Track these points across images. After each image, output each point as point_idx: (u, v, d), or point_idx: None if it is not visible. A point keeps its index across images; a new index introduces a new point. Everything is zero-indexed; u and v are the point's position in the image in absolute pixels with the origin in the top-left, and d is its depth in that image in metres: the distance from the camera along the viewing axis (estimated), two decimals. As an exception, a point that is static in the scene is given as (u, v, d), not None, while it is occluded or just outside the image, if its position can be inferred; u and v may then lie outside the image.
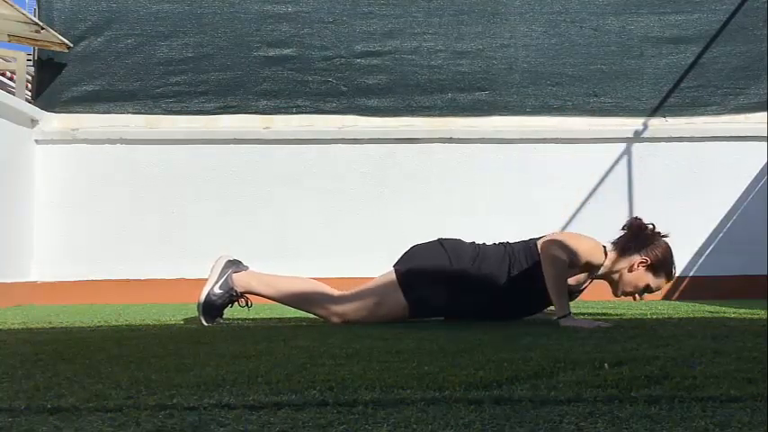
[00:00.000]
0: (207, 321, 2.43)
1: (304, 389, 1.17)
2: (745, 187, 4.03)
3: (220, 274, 2.47)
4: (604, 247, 2.48)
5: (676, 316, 2.70)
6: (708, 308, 3.14)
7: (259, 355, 1.58)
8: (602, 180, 4.03)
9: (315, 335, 2.06)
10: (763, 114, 4.08)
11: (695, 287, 3.97)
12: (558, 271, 2.31)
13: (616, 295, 2.52)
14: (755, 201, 4.02)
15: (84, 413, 1.02)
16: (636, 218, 2.55)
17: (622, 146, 4.05)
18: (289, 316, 2.78)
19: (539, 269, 2.36)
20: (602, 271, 2.46)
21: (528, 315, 2.57)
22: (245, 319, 2.66)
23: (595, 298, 3.84)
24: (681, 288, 4.00)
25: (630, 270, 2.43)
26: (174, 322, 2.56)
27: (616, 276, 2.46)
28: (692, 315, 2.76)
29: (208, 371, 1.37)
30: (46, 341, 1.92)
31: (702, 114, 4.11)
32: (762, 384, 1.17)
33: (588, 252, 2.40)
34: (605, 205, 3.99)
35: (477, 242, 2.56)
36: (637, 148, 4.04)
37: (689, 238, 4.01)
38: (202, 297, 2.43)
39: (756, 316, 2.62)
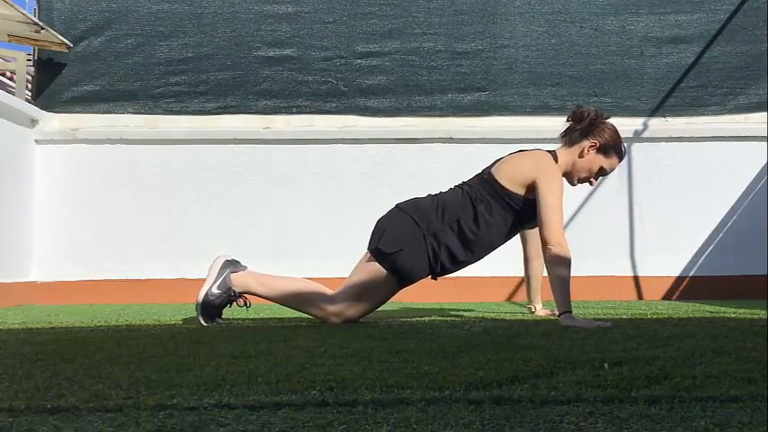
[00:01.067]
0: (206, 321, 2.43)
1: (304, 389, 1.17)
2: (745, 187, 4.03)
3: (218, 274, 2.47)
4: (552, 152, 2.51)
5: (676, 316, 2.70)
6: (708, 308, 3.14)
7: (259, 355, 1.58)
8: (603, 180, 4.02)
9: (315, 335, 2.06)
10: (763, 114, 4.08)
11: (695, 287, 3.97)
12: (565, 271, 2.33)
13: (573, 184, 2.57)
14: (755, 201, 4.02)
15: (84, 413, 1.02)
16: (577, 106, 2.59)
17: (622, 146, 4.05)
18: (289, 316, 2.78)
19: (500, 198, 2.40)
20: (561, 170, 2.49)
21: (506, 240, 2.55)
22: (245, 319, 2.66)
23: (595, 298, 3.85)
24: (681, 288, 4.00)
25: (581, 156, 2.49)
26: (173, 322, 2.56)
27: (570, 167, 2.51)
28: (692, 315, 2.76)
29: (208, 371, 1.37)
30: (46, 341, 1.92)
31: (702, 114, 4.11)
32: (762, 384, 1.17)
33: (559, 185, 2.41)
34: (605, 205, 3.99)
35: (432, 194, 2.55)
36: (637, 148, 4.04)
37: (689, 238, 4.01)
38: (200, 297, 2.43)
39: (756, 316, 2.62)
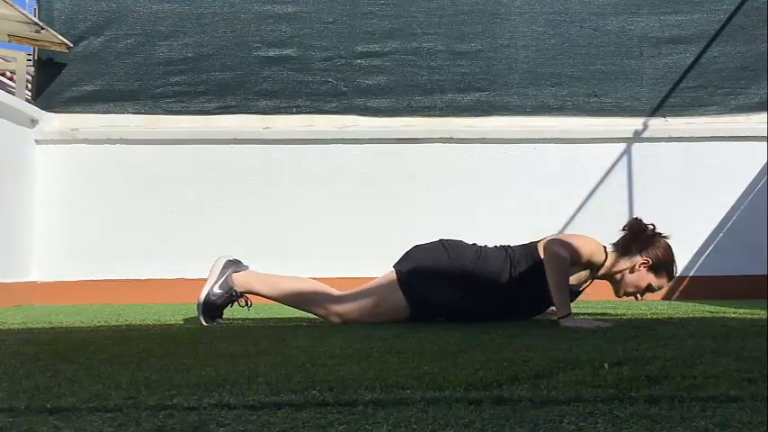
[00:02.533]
0: (206, 321, 2.43)
1: (304, 389, 1.17)
2: (745, 187, 4.03)
3: (220, 274, 2.47)
4: (605, 247, 2.48)
5: (676, 316, 2.70)
6: (708, 308, 3.14)
7: (259, 355, 1.58)
8: (602, 180, 4.03)
9: (315, 335, 2.06)
10: (763, 114, 4.08)
11: (695, 287, 3.97)
12: (561, 269, 2.32)
13: (618, 295, 2.53)
14: (755, 201, 4.02)
15: (84, 413, 1.02)
16: (636, 218, 2.56)
17: (622, 146, 4.05)
18: (289, 316, 2.78)
19: (539, 269, 2.37)
20: (603, 271, 2.47)
21: (530, 316, 2.56)
22: (245, 319, 2.66)
23: (595, 298, 3.85)
24: (681, 288, 4.00)
25: (632, 271, 2.45)
26: (174, 322, 2.55)
27: (618, 277, 2.48)
28: (692, 315, 2.76)
29: (208, 371, 1.37)
30: (46, 341, 1.92)
31: (702, 114, 4.11)
32: (762, 384, 1.17)
33: (590, 251, 2.40)
34: (605, 205, 3.99)
35: (478, 244, 2.55)
36: (637, 148, 4.04)
37: (689, 238, 4.01)
38: (202, 297, 2.43)
39: (756, 316, 2.62)
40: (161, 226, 3.94)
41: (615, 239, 2.53)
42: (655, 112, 4.10)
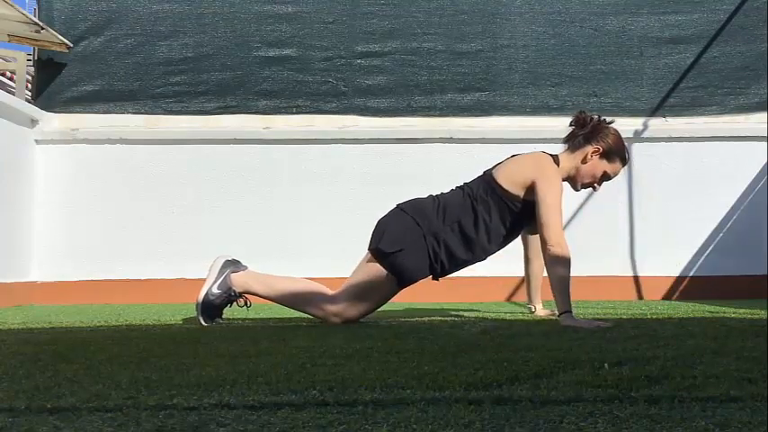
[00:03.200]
0: (206, 321, 2.43)
1: (304, 389, 1.17)
2: (745, 187, 4.03)
3: (218, 274, 2.47)
4: (554, 155, 2.51)
5: (676, 316, 2.70)
6: (708, 308, 3.14)
7: (259, 355, 1.58)
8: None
9: (315, 335, 2.06)
10: (763, 114, 4.08)
11: (695, 287, 3.97)
12: (565, 271, 2.33)
13: (576, 189, 2.58)
14: (755, 201, 4.02)
15: (84, 413, 1.02)
16: (580, 111, 2.58)
17: (622, 146, 4.05)
18: (289, 316, 2.78)
19: (499, 200, 2.41)
20: (562, 175, 2.50)
21: (506, 243, 2.55)
22: (245, 319, 2.66)
23: (595, 298, 3.85)
24: (681, 288, 4.00)
25: (585, 161, 2.49)
26: (173, 322, 2.56)
27: (573, 172, 2.52)
28: (692, 315, 2.76)
29: (208, 371, 1.37)
30: (46, 341, 1.92)
31: (702, 114, 4.11)
32: (762, 384, 1.17)
33: (559, 192, 2.41)
34: (605, 205, 3.99)
35: (433, 194, 2.55)
36: (637, 148, 4.04)
37: (689, 238, 4.01)
38: (200, 297, 2.43)
39: (756, 316, 2.62)
40: (161, 226, 3.95)
41: (564, 137, 2.56)
42: (655, 112, 4.10)
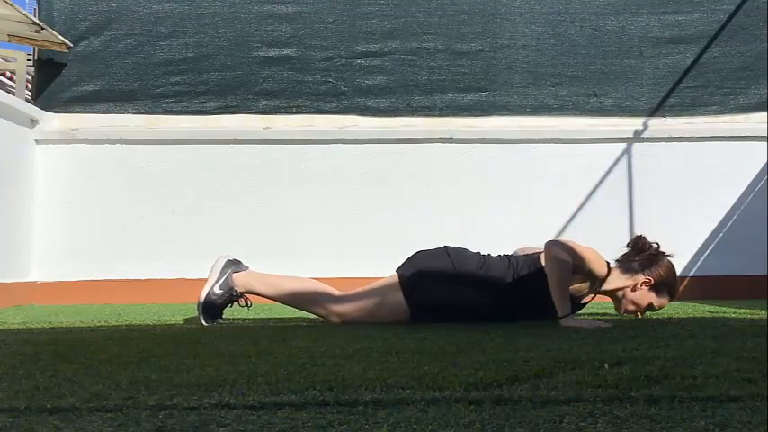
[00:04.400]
0: (206, 321, 2.43)
1: (304, 389, 1.17)
2: (745, 187, 4.03)
3: (220, 274, 2.48)
4: (608, 262, 2.48)
5: (676, 316, 2.70)
6: (708, 308, 3.14)
7: (259, 355, 1.58)
8: (602, 180, 4.03)
9: (315, 335, 2.06)
10: (763, 114, 4.08)
11: (695, 287, 3.97)
12: (562, 270, 2.33)
13: (619, 312, 2.55)
14: (755, 201, 4.02)
15: (84, 413, 1.02)
16: (640, 236, 2.55)
17: (622, 146, 4.05)
18: (289, 316, 2.78)
19: (542, 277, 2.37)
20: (605, 287, 2.46)
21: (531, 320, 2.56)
22: (245, 319, 2.66)
23: (595, 299, 3.85)
24: (681, 288, 3.99)
25: (634, 289, 2.46)
26: (174, 322, 2.56)
27: (620, 294, 2.48)
28: (692, 315, 2.76)
29: (208, 371, 1.37)
30: (46, 341, 1.92)
31: (702, 114, 4.11)
32: (762, 384, 1.17)
33: (591, 259, 2.40)
34: (605, 205, 4.00)
35: (482, 253, 2.55)
36: (637, 148, 4.04)
37: (689, 238, 4.01)
38: (202, 297, 2.43)
39: (756, 316, 2.62)
40: (161, 226, 3.94)
41: (617, 256, 2.52)
42: (655, 112, 4.10)
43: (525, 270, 2.44)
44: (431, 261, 2.47)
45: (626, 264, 2.48)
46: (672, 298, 2.52)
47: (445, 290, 2.42)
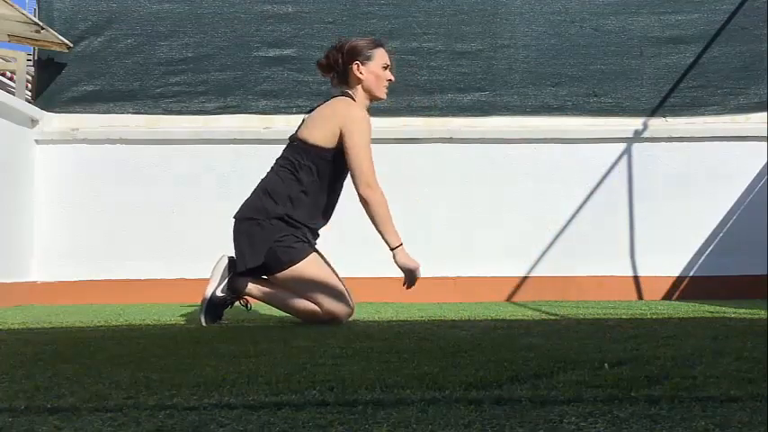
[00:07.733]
0: (207, 321, 2.43)
1: (304, 389, 1.17)
2: (745, 187, 4.03)
3: (222, 276, 2.48)
4: (346, 94, 2.58)
5: (676, 316, 2.70)
6: (708, 308, 3.14)
7: (259, 355, 1.58)
8: (602, 180, 4.02)
9: (315, 335, 2.06)
10: (763, 114, 4.08)
11: (695, 287, 3.97)
12: (383, 209, 2.45)
13: (383, 98, 2.62)
14: (755, 201, 4.01)
15: (84, 413, 1.02)
16: (318, 61, 2.66)
17: (622, 146, 4.05)
18: (289, 316, 2.78)
19: (315, 157, 2.47)
20: (366, 105, 2.58)
21: (335, 194, 2.64)
22: (245, 319, 2.66)
23: (595, 298, 3.85)
24: (681, 288, 4.00)
25: (360, 80, 2.56)
26: (174, 322, 2.56)
27: (366, 95, 2.58)
28: (692, 315, 2.76)
29: (208, 371, 1.37)
30: (46, 341, 1.92)
31: (702, 114, 4.11)
32: (762, 384, 1.17)
33: (365, 127, 2.48)
34: (605, 205, 3.99)
35: (255, 188, 2.58)
36: (637, 148, 4.04)
37: (689, 238, 4.01)
38: (207, 296, 2.44)
39: (756, 316, 2.62)
40: (161, 226, 3.94)
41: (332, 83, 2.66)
42: (655, 112, 4.09)
43: (303, 168, 2.50)
44: (247, 239, 2.48)
45: (339, 80, 2.60)
46: (379, 45, 2.59)
47: (278, 235, 2.46)
